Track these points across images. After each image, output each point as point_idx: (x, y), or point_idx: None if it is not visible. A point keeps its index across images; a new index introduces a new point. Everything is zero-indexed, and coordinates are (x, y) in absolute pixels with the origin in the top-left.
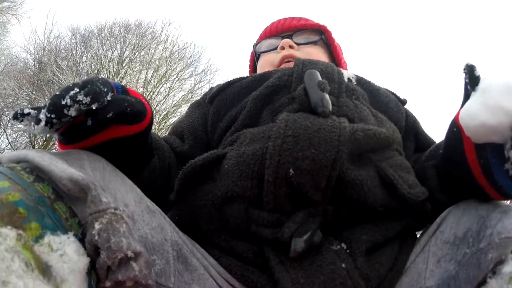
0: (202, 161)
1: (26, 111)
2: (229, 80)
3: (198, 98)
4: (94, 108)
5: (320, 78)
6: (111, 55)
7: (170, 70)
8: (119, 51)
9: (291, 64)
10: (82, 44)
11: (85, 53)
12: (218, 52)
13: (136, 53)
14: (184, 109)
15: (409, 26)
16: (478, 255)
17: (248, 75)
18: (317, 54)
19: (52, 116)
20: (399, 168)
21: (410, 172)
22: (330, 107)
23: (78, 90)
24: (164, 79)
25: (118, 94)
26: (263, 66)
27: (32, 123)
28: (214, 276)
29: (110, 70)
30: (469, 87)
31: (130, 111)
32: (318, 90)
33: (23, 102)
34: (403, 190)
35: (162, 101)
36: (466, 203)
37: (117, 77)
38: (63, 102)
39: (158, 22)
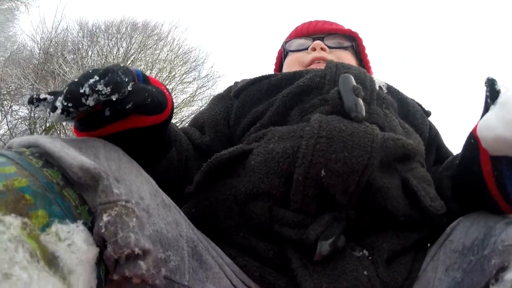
0: (228, 155)
1: (42, 96)
2: (257, 76)
3: (199, 102)
4: (114, 99)
5: (354, 83)
6: (117, 52)
7: (173, 72)
8: (124, 49)
9: (321, 66)
10: (88, 38)
11: (91, 48)
12: (222, 59)
13: (141, 52)
14: (185, 113)
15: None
16: (481, 262)
17: (278, 73)
18: (348, 59)
19: (69, 104)
20: (421, 180)
21: (431, 185)
22: (364, 112)
23: (98, 78)
24: (167, 80)
25: (139, 83)
26: (291, 64)
27: (48, 110)
28: (229, 276)
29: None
30: (489, 100)
31: (150, 101)
32: (352, 94)
33: (26, 91)
34: (426, 202)
35: None
36: (475, 214)
37: None
38: (81, 91)
39: (165, 24)
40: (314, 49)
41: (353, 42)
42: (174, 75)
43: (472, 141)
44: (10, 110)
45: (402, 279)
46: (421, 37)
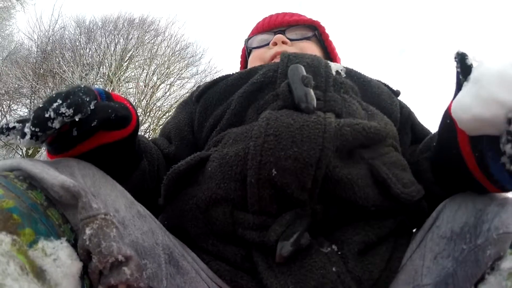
0: (185, 165)
1: (11, 125)
2: (215, 78)
3: None
4: (77, 119)
5: (304, 73)
6: (114, 48)
7: (171, 67)
8: (122, 45)
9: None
10: (86, 35)
11: (89, 45)
12: (219, 54)
13: (139, 48)
14: None
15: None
16: (476, 252)
17: (235, 73)
18: (311, 49)
19: (36, 129)
20: (393, 165)
21: (405, 169)
22: (315, 102)
23: (60, 102)
24: (165, 76)
25: (101, 101)
26: (253, 62)
27: (18, 137)
28: (205, 280)
29: (112, 64)
30: (461, 76)
31: (114, 117)
32: (301, 85)
33: (26, 91)
34: (397, 189)
35: (162, 98)
36: (462, 196)
37: (118, 71)
38: (47, 115)
39: (162, 19)
40: (275, 44)
41: (315, 31)
42: (173, 70)
43: (448, 121)
44: (9, 109)
45: (378, 271)
46: (419, 26)
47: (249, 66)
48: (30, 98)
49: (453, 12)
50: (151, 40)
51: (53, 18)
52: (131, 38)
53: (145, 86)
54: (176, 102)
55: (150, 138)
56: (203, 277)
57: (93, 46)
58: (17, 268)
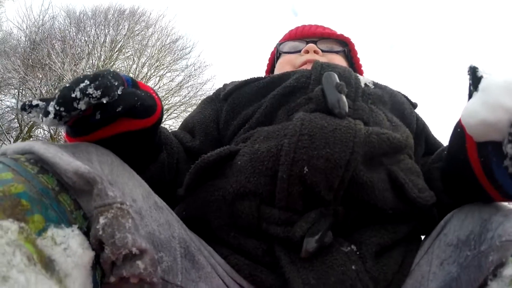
0: (215, 156)
1: (34, 102)
2: (246, 79)
3: (185, 91)
4: (104, 102)
5: (338, 80)
6: (104, 39)
7: (161, 60)
8: (112, 36)
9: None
10: (75, 26)
11: (78, 35)
12: (209, 48)
13: (129, 39)
14: (172, 100)
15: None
16: (479, 258)
17: (266, 76)
18: (340, 62)
19: (61, 109)
20: (409, 172)
21: (419, 176)
22: (347, 108)
23: (88, 82)
24: (155, 68)
25: (128, 87)
26: (283, 65)
27: (41, 115)
28: (221, 275)
29: (102, 55)
30: (472, 88)
31: (140, 105)
32: (335, 91)
33: (15, 82)
34: (413, 193)
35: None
36: (469, 206)
37: (109, 62)
38: (73, 95)
39: (152, 12)
40: (307, 52)
41: (345, 48)
42: (162, 63)
43: (459, 130)
44: None
45: (392, 273)
46: (409, 21)
47: (278, 70)
48: (18, 88)
49: (443, 6)
50: (141, 31)
51: (43, 8)
52: (121, 29)
53: (135, 76)
54: (166, 94)
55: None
56: (219, 272)
57: (83, 37)
58: (24, 259)
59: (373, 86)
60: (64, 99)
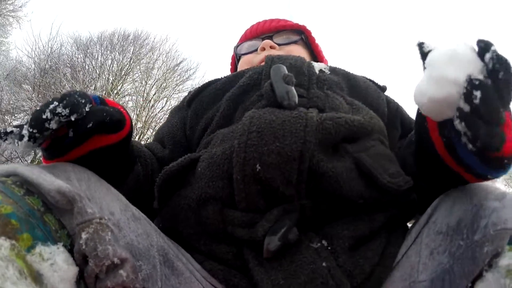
0: (176, 166)
1: (9, 129)
2: (205, 82)
3: None
4: (73, 119)
5: (285, 72)
6: (111, 63)
7: (168, 81)
8: (118, 61)
9: None
10: (83, 52)
11: (85, 61)
12: (212, 68)
13: (135, 63)
14: None
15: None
16: (473, 248)
17: (223, 77)
18: (298, 52)
19: (34, 130)
20: (379, 157)
21: (392, 161)
22: (296, 99)
23: (57, 103)
24: (162, 89)
25: (96, 105)
26: (243, 67)
27: (16, 140)
28: (199, 280)
29: (110, 78)
30: (423, 65)
31: (109, 120)
32: (283, 83)
33: (27, 108)
34: (383, 179)
35: (160, 111)
36: (457, 191)
37: (117, 85)
38: (44, 116)
39: (156, 36)
40: (263, 49)
41: (302, 35)
42: (168, 84)
43: (419, 111)
44: (10, 126)
45: (370, 265)
46: (414, 26)
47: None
48: (30, 114)
49: (446, 12)
50: (146, 54)
51: (51, 36)
52: (126, 53)
53: (143, 100)
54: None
55: (144, 144)
56: (198, 277)
57: (91, 62)
58: (16, 272)
59: (329, 72)
60: (36, 121)
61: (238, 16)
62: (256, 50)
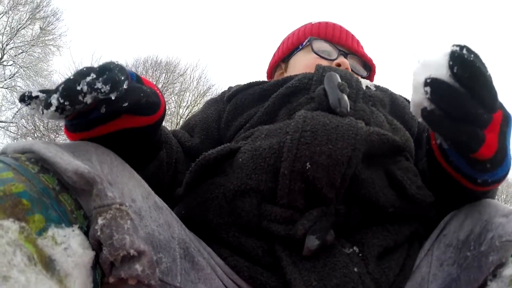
0: (215, 153)
1: (34, 93)
2: (251, 82)
3: None
4: (113, 98)
5: (339, 80)
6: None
7: (198, 105)
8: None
9: None
10: None
11: None
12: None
13: (166, 88)
14: None
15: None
16: (479, 258)
17: (271, 80)
18: None
19: (65, 102)
20: (407, 170)
21: (417, 175)
22: (348, 107)
23: (95, 76)
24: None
25: (133, 82)
26: (312, 68)
27: (41, 107)
28: (221, 276)
29: None
30: None
31: (145, 101)
32: (337, 90)
33: None
34: (412, 190)
35: None
36: (469, 207)
37: None
38: (79, 88)
39: (186, 64)
40: (338, 65)
41: (369, 73)
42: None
43: None
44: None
45: (393, 275)
46: (432, 28)
47: (303, 67)
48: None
49: (468, 13)
50: (178, 78)
51: (91, 63)
52: (160, 77)
53: (177, 123)
54: None
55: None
56: (219, 274)
57: None
58: (24, 259)
59: (374, 89)
60: (69, 92)
61: (262, 44)
62: (331, 59)
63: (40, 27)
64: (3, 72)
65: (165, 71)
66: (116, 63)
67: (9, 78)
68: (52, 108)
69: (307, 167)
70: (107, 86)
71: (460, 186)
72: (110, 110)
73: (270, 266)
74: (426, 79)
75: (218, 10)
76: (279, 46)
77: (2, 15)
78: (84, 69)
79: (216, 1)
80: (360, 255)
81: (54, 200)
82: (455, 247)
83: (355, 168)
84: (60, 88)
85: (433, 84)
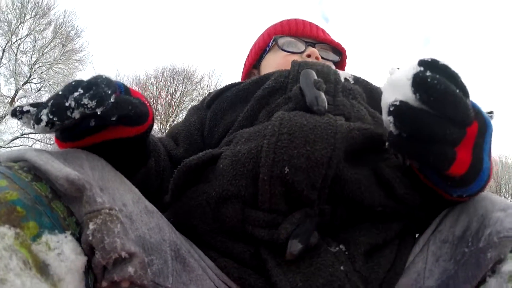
0: (196, 160)
1: (25, 108)
2: (227, 85)
3: None
4: (99, 113)
5: (315, 77)
6: (165, 96)
7: None
8: (170, 94)
9: None
10: (140, 87)
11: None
12: None
13: (186, 96)
14: None
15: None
16: (477, 254)
17: (246, 80)
18: None
19: (54, 118)
20: (396, 169)
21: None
22: (326, 105)
23: (82, 91)
24: None
25: (121, 95)
26: (284, 65)
27: (32, 122)
28: (212, 278)
29: (163, 111)
30: None
31: (133, 113)
32: (313, 88)
33: None
34: (401, 190)
35: None
36: (463, 203)
37: (170, 115)
38: (67, 104)
39: (200, 70)
40: (309, 56)
41: (340, 57)
42: None
43: None
44: None
45: (383, 272)
46: (446, 13)
47: (275, 65)
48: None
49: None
50: (194, 86)
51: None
52: (178, 85)
53: None
54: None
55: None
56: (210, 275)
57: (146, 94)
58: (20, 263)
59: (353, 82)
60: (57, 108)
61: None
62: (300, 52)
63: (62, 43)
64: (30, 88)
65: (182, 80)
66: (104, 76)
67: (36, 92)
68: (43, 124)
69: (286, 171)
70: (93, 102)
71: (439, 195)
72: (98, 123)
73: (258, 269)
74: (389, 107)
75: (233, 18)
76: (248, 54)
77: (25, 37)
78: (73, 83)
79: (230, 10)
80: (346, 253)
81: (47, 208)
82: (451, 242)
83: (336, 167)
84: (49, 104)
85: (396, 112)
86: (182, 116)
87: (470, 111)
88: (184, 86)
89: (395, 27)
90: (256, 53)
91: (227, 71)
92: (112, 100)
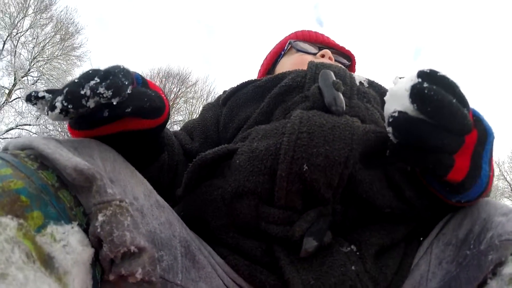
0: (212, 154)
1: (40, 94)
2: (243, 82)
3: None
4: (115, 103)
5: (334, 78)
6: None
7: None
8: (164, 95)
9: None
10: None
11: None
12: None
13: (181, 98)
14: None
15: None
16: (478, 256)
17: (263, 77)
18: None
19: (69, 105)
20: (405, 173)
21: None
22: (344, 106)
23: (99, 80)
24: None
25: (138, 87)
26: (299, 64)
27: (46, 108)
28: (221, 275)
29: None
30: None
31: (148, 106)
32: (332, 89)
33: None
34: (410, 192)
35: None
36: (467, 207)
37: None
38: (82, 92)
39: (195, 76)
40: (323, 56)
41: (350, 63)
42: None
43: None
44: None
45: (391, 273)
46: (437, 23)
47: (291, 66)
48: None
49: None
50: (188, 88)
51: None
52: (173, 87)
53: None
54: None
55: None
56: (219, 273)
57: None
58: (23, 256)
59: (367, 85)
60: (73, 96)
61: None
62: (314, 53)
63: (61, 37)
64: (27, 82)
65: (176, 81)
66: (122, 67)
67: (32, 85)
68: (57, 111)
69: (305, 169)
70: (110, 92)
71: (440, 199)
72: (112, 114)
73: (269, 266)
74: (389, 118)
75: (231, 21)
76: (262, 62)
77: (26, 31)
78: (90, 71)
79: (227, 13)
80: (357, 253)
81: (53, 197)
82: (454, 245)
83: (352, 168)
84: (65, 91)
85: (394, 123)
86: (175, 118)
87: (467, 120)
88: (178, 89)
89: (388, 34)
90: (271, 58)
91: (220, 79)
92: (128, 91)
